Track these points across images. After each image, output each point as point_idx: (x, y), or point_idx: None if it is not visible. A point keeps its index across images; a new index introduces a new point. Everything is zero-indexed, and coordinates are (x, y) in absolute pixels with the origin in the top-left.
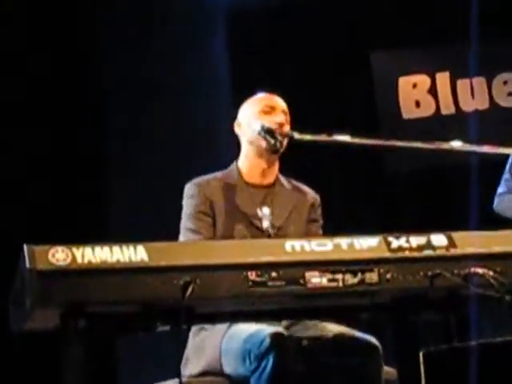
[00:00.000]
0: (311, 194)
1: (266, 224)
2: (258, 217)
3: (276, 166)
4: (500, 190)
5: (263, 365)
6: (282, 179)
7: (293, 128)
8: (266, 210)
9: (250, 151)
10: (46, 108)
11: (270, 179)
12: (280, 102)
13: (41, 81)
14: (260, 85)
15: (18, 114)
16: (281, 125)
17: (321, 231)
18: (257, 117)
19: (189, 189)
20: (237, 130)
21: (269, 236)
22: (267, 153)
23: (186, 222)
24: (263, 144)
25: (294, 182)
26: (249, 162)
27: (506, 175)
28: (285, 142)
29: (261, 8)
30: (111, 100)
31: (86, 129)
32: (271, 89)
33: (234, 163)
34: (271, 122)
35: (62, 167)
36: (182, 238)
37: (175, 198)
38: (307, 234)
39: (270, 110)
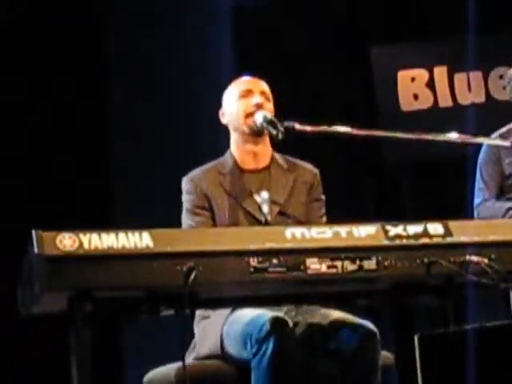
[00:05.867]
0: (310, 171)
1: (265, 209)
2: (257, 204)
3: (268, 148)
4: (477, 201)
5: (264, 348)
6: (278, 158)
7: (286, 112)
8: (264, 195)
9: (236, 138)
10: (48, 96)
11: (264, 162)
12: (257, 84)
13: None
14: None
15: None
16: (259, 105)
17: (323, 210)
18: (236, 103)
19: (185, 184)
20: (222, 119)
21: (266, 223)
22: (252, 136)
23: (185, 218)
24: (246, 129)
25: (291, 159)
26: (239, 149)
27: (479, 185)
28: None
29: (263, 3)
30: (116, 91)
31: (89, 119)
32: (272, 82)
33: (228, 150)
34: (249, 105)
35: (67, 158)
36: None
37: (179, 187)
38: (309, 215)
39: (247, 93)
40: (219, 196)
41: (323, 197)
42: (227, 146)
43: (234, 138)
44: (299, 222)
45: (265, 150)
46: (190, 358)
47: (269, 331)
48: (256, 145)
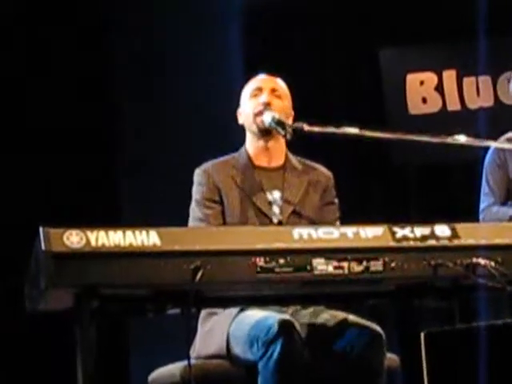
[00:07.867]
0: (324, 174)
1: (276, 209)
2: (268, 201)
3: (281, 146)
4: (482, 206)
5: (271, 351)
6: (293, 160)
7: (296, 113)
8: (276, 194)
9: (249, 137)
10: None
11: (278, 161)
12: (269, 81)
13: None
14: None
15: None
16: (266, 104)
17: (338, 213)
18: (247, 102)
19: (197, 175)
20: (239, 119)
21: (279, 223)
22: (261, 134)
23: (194, 210)
24: (255, 128)
25: (306, 162)
26: (253, 146)
27: (485, 190)
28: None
29: (275, 4)
30: (124, 89)
31: (97, 116)
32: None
33: (243, 147)
34: (257, 104)
35: (72, 157)
36: (190, 224)
37: (188, 184)
38: (323, 218)
39: (257, 92)
40: (231, 190)
41: (337, 200)
42: (239, 144)
43: (247, 136)
44: (313, 224)
45: (277, 147)
46: (193, 355)
47: (276, 333)
48: (267, 142)
